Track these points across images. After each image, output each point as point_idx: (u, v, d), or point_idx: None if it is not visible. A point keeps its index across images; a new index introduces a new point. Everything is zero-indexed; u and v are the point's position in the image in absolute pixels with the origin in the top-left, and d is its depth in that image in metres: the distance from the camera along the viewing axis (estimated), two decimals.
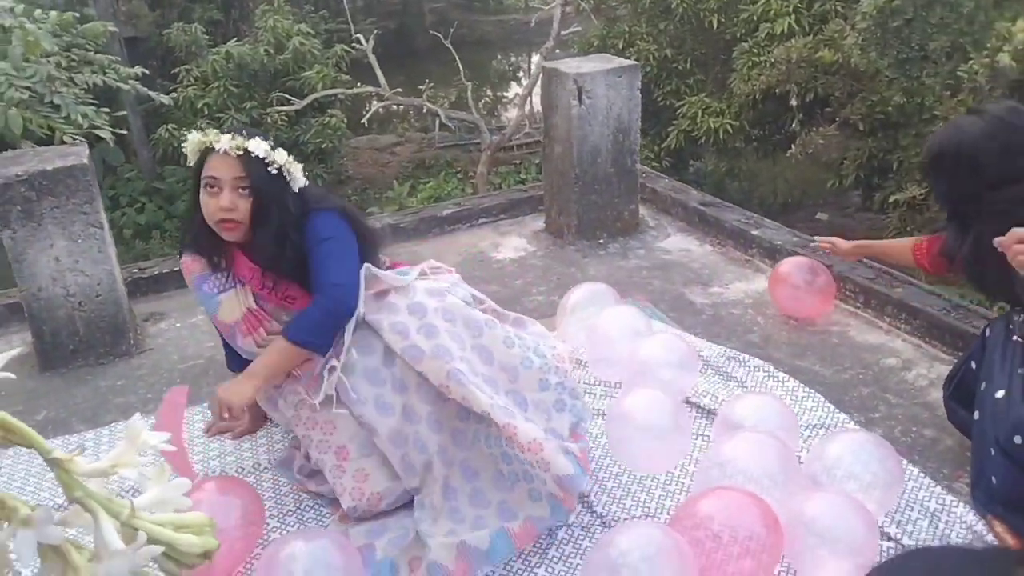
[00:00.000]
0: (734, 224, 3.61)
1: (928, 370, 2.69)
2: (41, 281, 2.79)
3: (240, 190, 1.99)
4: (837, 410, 2.46)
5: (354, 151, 12.44)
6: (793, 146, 8.20)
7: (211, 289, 2.10)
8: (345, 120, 9.77)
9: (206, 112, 8.86)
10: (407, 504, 2.03)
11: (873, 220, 9.27)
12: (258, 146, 1.99)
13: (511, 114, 11.91)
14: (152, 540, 0.73)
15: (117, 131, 5.20)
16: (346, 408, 2.01)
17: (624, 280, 3.37)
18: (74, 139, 4.36)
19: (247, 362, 2.12)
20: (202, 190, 2.01)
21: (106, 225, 2.91)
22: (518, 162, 11.70)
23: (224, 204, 1.98)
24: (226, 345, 2.30)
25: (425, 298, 2.08)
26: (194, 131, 2.06)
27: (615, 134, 3.57)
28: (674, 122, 9.14)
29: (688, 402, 2.48)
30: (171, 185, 9.29)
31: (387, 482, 2.00)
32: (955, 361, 2.47)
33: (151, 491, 0.76)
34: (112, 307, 2.97)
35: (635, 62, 3.67)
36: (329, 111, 9.61)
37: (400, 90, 9.55)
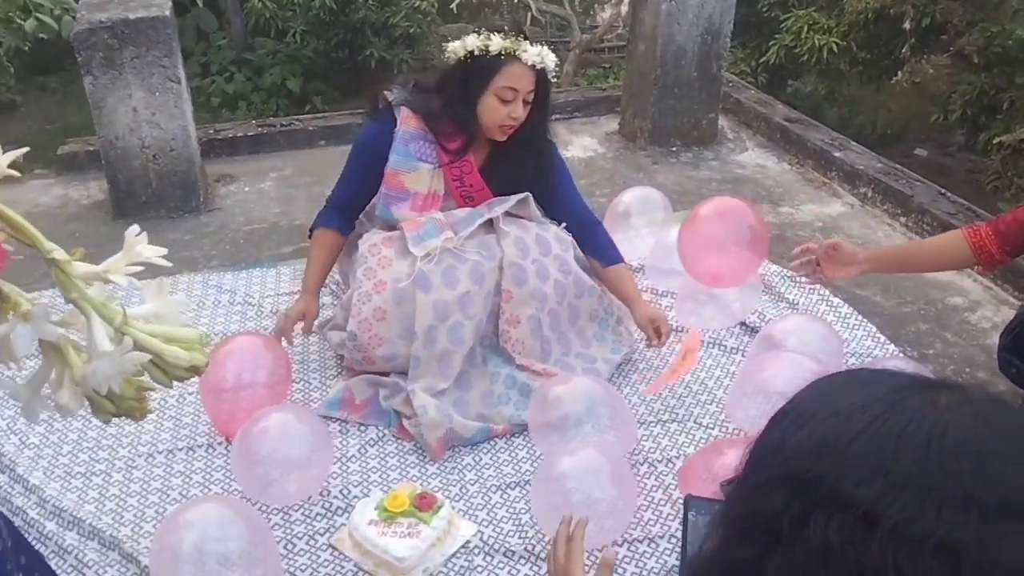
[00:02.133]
0: (817, 144, 3.46)
1: (994, 313, 2.58)
2: (118, 130, 2.88)
3: (527, 101, 1.99)
4: (888, 342, 2.39)
5: (442, 38, 12.26)
6: (900, 73, 7.73)
7: (418, 151, 2.06)
8: (436, 5, 9.59)
9: None
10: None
11: (975, 162, 8.77)
12: (551, 60, 1.99)
13: (606, 14, 11.49)
14: (141, 348, 0.76)
15: None
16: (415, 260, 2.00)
17: (691, 191, 3.29)
18: None
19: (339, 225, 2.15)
20: (491, 93, 1.96)
21: (184, 81, 2.96)
22: (608, 66, 11.35)
23: (519, 115, 1.98)
24: (335, 209, 2.18)
25: (553, 240, 2.13)
26: (491, 34, 1.97)
27: (703, 36, 3.41)
28: (776, 36, 8.67)
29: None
30: (260, 57, 9.34)
31: (396, 338, 2.01)
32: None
33: (148, 303, 0.79)
34: (185, 163, 3.05)
35: None
36: None
37: None
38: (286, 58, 8.01)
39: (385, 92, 2.10)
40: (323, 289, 2.58)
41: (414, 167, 2.06)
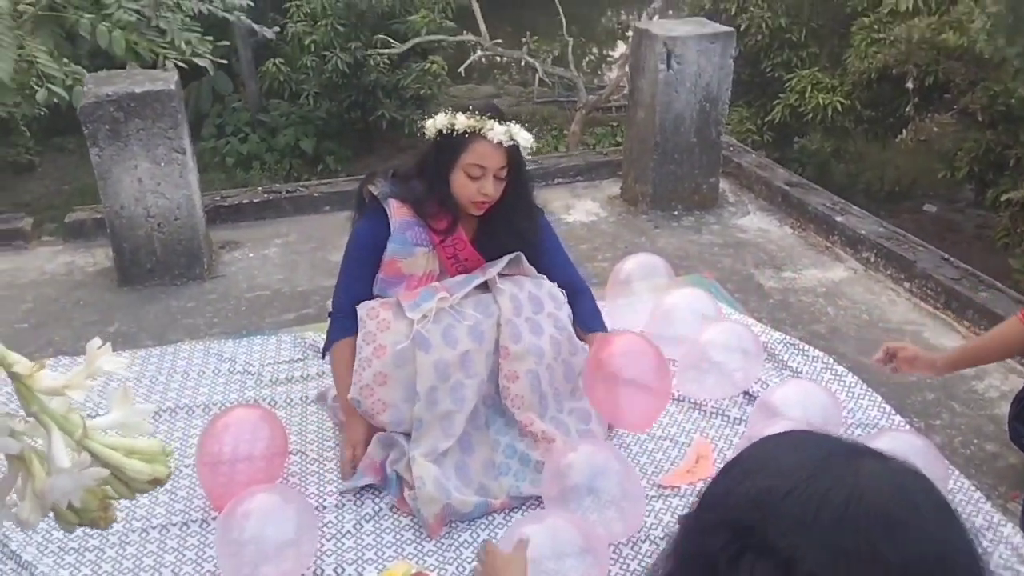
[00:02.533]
0: (818, 208, 3.46)
1: (1002, 382, 2.54)
2: (124, 200, 2.92)
3: (499, 177, 2.02)
4: (894, 412, 2.35)
5: (452, 99, 12.47)
6: (905, 131, 7.79)
7: (414, 237, 2.08)
8: (445, 68, 9.77)
9: (312, 49, 9.00)
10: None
11: (985, 218, 8.77)
12: (524, 138, 2.01)
13: (612, 74, 11.66)
14: (101, 462, 0.75)
15: (219, 61, 5.34)
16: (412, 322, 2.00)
17: (693, 255, 3.29)
18: (177, 65, 4.50)
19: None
20: (460, 170, 2.00)
21: (189, 151, 3.01)
22: (615, 124, 11.48)
23: (489, 192, 2.00)
24: (346, 316, 2.12)
25: (547, 297, 2.14)
26: (457, 113, 1.99)
27: (702, 103, 3.46)
28: (780, 95, 8.77)
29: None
30: (274, 118, 9.52)
31: (400, 401, 2.00)
32: None
33: (112, 413, 0.78)
34: (189, 231, 3.08)
35: (730, 29, 3.52)
36: (431, 57, 9.61)
37: (501, 41, 9.47)
38: (299, 119, 8.16)
39: (369, 187, 2.12)
40: (321, 360, 2.59)
41: (411, 252, 2.09)
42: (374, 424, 2.05)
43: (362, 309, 2.05)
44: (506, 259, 2.14)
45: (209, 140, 8.20)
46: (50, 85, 3.49)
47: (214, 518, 2.00)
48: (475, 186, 2.00)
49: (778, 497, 0.68)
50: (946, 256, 3.02)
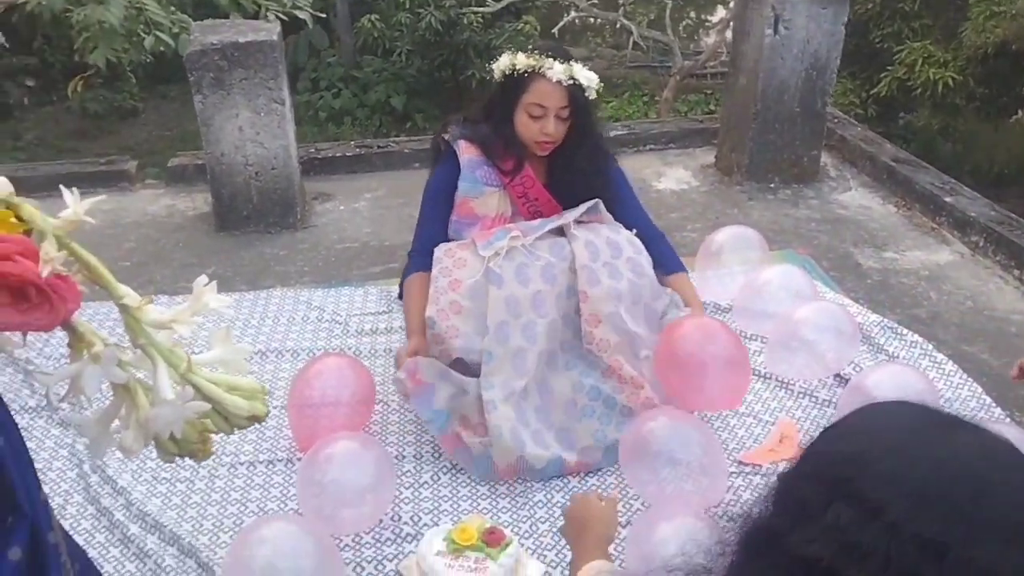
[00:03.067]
0: (926, 187, 3.30)
1: None
2: (224, 147, 3.00)
3: (561, 117, 2.02)
4: (994, 404, 2.23)
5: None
6: (1021, 111, 7.34)
7: (483, 177, 2.11)
8: (538, 28, 9.65)
9: (407, 6, 9.02)
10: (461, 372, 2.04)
11: None
12: (586, 77, 2.01)
13: (710, 39, 11.31)
14: (203, 396, 0.77)
15: (318, 15, 5.41)
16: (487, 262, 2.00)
17: (788, 229, 3.19)
18: (277, 16, 4.58)
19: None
20: (522, 110, 2.02)
21: (288, 102, 3.06)
22: (709, 92, 11.17)
23: (549, 130, 2.01)
24: (421, 254, 2.15)
25: (625, 242, 2.12)
26: (519, 53, 2.02)
27: (808, 71, 3.31)
28: (889, 68, 8.36)
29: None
30: (367, 74, 9.60)
31: (471, 332, 1.98)
32: None
33: (213, 350, 0.80)
34: (285, 181, 3.15)
35: None
36: (524, 17, 9.51)
37: (596, 2, 9.29)
38: (391, 76, 8.21)
39: (443, 136, 2.16)
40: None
41: (481, 192, 2.11)
42: (445, 350, 2.00)
43: (439, 250, 2.07)
44: (584, 207, 2.12)
45: (304, 94, 8.34)
46: (158, 32, 3.59)
47: (299, 459, 2.06)
48: (537, 126, 2.01)
49: (873, 456, 0.73)
50: None
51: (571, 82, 1.98)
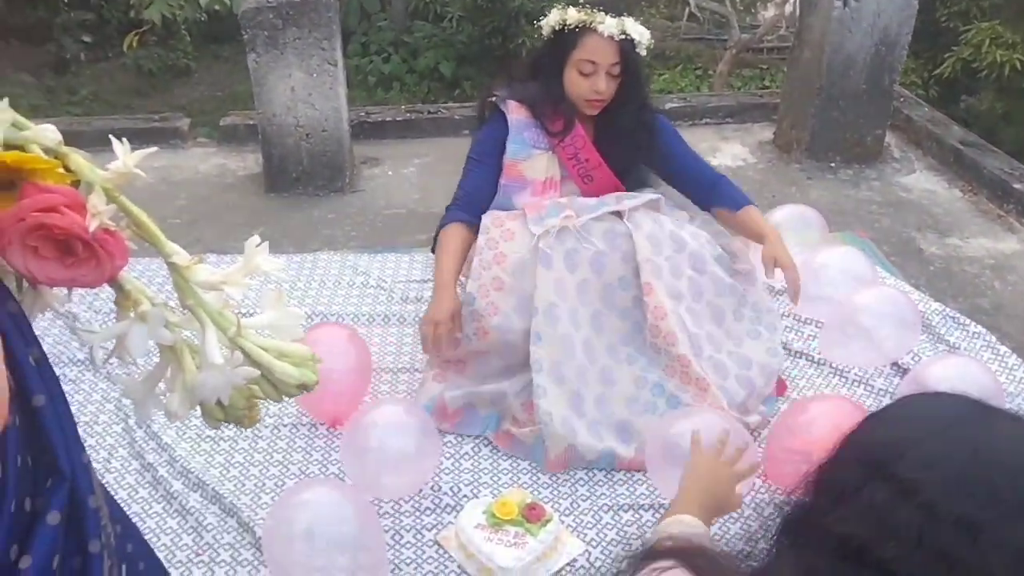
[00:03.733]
0: (994, 172, 3.16)
1: None
2: (276, 108, 2.98)
3: (612, 74, 1.96)
4: None
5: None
6: None
7: (531, 138, 2.05)
8: None
9: None
10: (497, 380, 2.01)
11: None
12: (639, 32, 1.95)
13: (769, 12, 11.00)
14: (252, 362, 0.74)
15: None
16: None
17: (848, 211, 3.08)
18: None
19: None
20: (572, 67, 1.95)
21: (341, 64, 3.03)
22: (765, 67, 10.88)
23: (601, 88, 1.95)
24: (460, 206, 2.09)
25: (689, 237, 2.05)
26: (569, 7, 1.96)
27: (877, 46, 3.18)
28: (954, 48, 8.05)
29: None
30: (417, 40, 9.53)
31: (511, 311, 1.93)
32: None
33: (265, 314, 0.77)
34: (335, 144, 3.13)
35: None
36: None
37: None
38: (441, 42, 8.14)
39: (490, 99, 2.10)
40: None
41: (529, 154, 2.04)
42: (482, 328, 1.95)
43: (487, 217, 2.01)
44: (646, 197, 2.05)
45: (353, 58, 8.30)
46: None
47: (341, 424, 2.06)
48: (587, 83, 1.94)
49: (912, 441, 0.75)
50: None
51: (623, 37, 1.91)
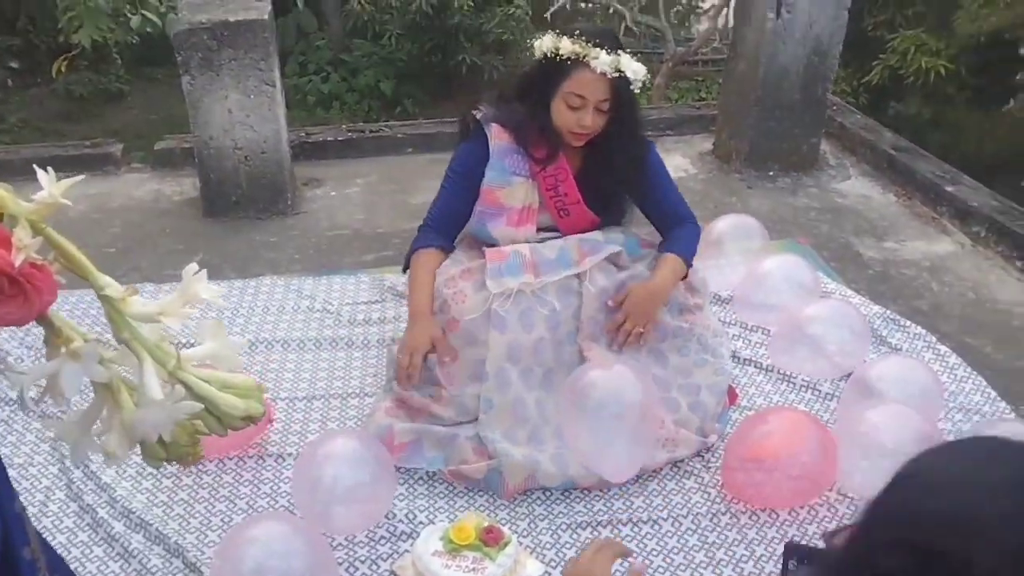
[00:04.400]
0: (927, 176, 3.25)
1: None
2: (213, 130, 2.91)
3: (601, 109, 1.89)
4: (999, 398, 2.20)
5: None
6: (1012, 101, 7.31)
7: (512, 165, 1.99)
8: (530, 13, 9.54)
9: None
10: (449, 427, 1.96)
11: None
12: (634, 70, 1.87)
13: (703, 25, 11.22)
14: (194, 395, 0.71)
15: None
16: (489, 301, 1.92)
17: (788, 219, 3.14)
18: None
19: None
20: (560, 98, 1.88)
21: (279, 84, 2.98)
22: (700, 79, 11.10)
23: (587, 123, 1.88)
24: (432, 230, 2.07)
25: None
26: (563, 37, 1.86)
27: (810, 56, 3.25)
28: (881, 56, 8.32)
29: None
30: (356, 58, 9.47)
31: (465, 378, 1.92)
32: None
33: (205, 345, 0.73)
34: (275, 166, 3.07)
35: None
36: (515, 1, 9.39)
37: None
38: (381, 60, 8.09)
39: (474, 112, 2.04)
40: (399, 298, 2.56)
41: (509, 182, 1.99)
42: (433, 398, 1.93)
43: (440, 276, 1.97)
44: (607, 251, 2.02)
45: (292, 77, 8.20)
46: (144, 12, 3.50)
47: (290, 454, 2.00)
48: (574, 117, 1.87)
49: (986, 522, 0.57)
50: None
51: (616, 75, 1.84)
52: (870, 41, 8.65)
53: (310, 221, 3.16)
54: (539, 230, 2.05)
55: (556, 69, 1.86)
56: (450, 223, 2.06)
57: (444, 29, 7.64)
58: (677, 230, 2.09)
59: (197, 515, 1.83)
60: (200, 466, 1.96)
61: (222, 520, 1.82)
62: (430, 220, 2.08)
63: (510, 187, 1.99)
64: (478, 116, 2.02)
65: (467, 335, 1.92)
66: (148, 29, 3.77)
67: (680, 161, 3.61)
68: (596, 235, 2.04)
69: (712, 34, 9.67)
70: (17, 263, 0.65)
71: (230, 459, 1.98)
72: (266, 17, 2.83)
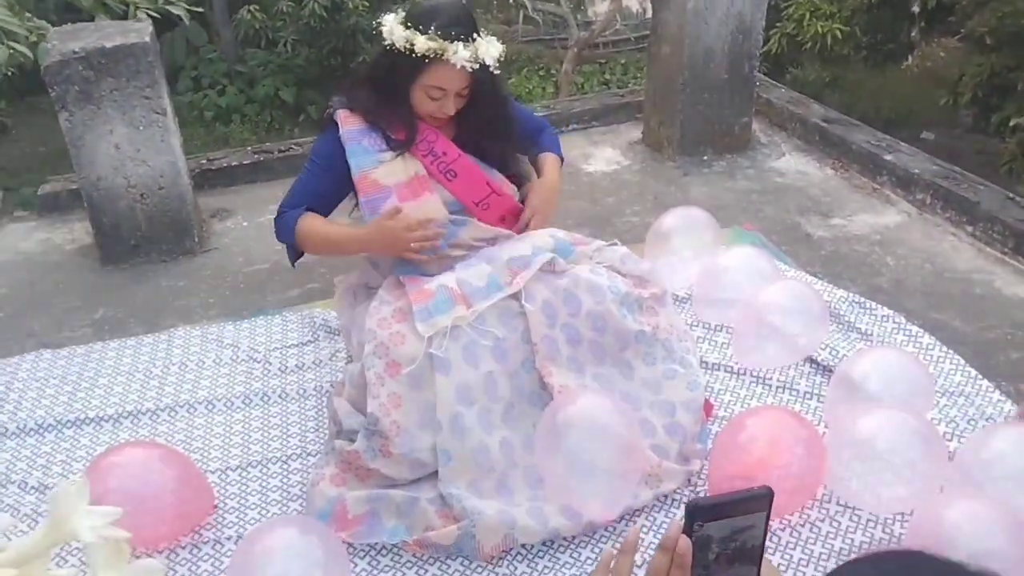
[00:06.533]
0: (863, 146, 3.18)
1: None
2: (100, 170, 2.60)
3: (462, 95, 1.88)
4: (980, 376, 2.11)
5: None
6: (910, 58, 7.47)
7: (373, 144, 1.91)
8: None
9: None
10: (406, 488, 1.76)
11: (985, 143, 8.51)
12: (492, 56, 1.84)
13: (600, 8, 11.20)
14: None
15: (194, 9, 4.94)
16: (426, 336, 1.75)
17: (730, 204, 3.01)
18: (148, 15, 4.12)
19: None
20: (419, 89, 1.85)
21: (170, 112, 2.68)
22: (603, 61, 11.07)
23: (449, 110, 1.88)
24: (290, 206, 2.01)
25: (585, 292, 1.85)
26: (417, 33, 1.79)
27: (734, 34, 3.13)
28: (777, 24, 8.40)
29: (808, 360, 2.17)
30: (252, 68, 9.09)
31: (415, 428, 1.72)
32: None
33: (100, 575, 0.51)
34: (176, 201, 2.77)
35: None
36: None
37: None
38: (278, 68, 7.77)
39: (328, 105, 1.98)
40: (333, 335, 2.33)
41: (379, 160, 1.90)
42: (385, 448, 1.71)
43: (372, 318, 1.80)
44: (537, 264, 1.85)
45: (185, 94, 7.79)
46: (12, 43, 3.13)
47: (228, 537, 1.76)
48: (435, 105, 1.87)
49: None
50: (1011, 195, 2.77)
51: (476, 66, 1.79)
52: (767, 11, 8.73)
53: (223, 258, 2.87)
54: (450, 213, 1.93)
55: (412, 63, 1.80)
56: (310, 201, 1.96)
57: (341, 31, 7.36)
58: (539, 137, 2.13)
59: None
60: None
61: None
62: (286, 204, 1.99)
63: (383, 165, 1.90)
64: (330, 108, 1.95)
65: (411, 379, 1.72)
66: (20, 60, 3.39)
67: (611, 153, 3.45)
68: (523, 249, 1.89)
69: (612, 15, 9.63)
70: None
71: (159, 552, 1.72)
72: (147, 39, 2.53)
